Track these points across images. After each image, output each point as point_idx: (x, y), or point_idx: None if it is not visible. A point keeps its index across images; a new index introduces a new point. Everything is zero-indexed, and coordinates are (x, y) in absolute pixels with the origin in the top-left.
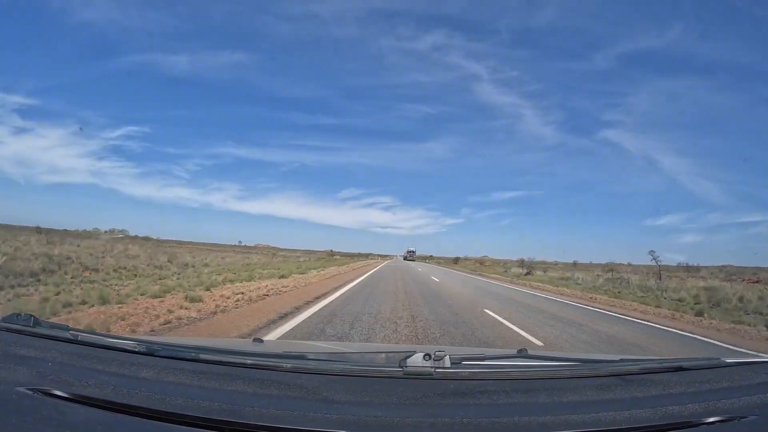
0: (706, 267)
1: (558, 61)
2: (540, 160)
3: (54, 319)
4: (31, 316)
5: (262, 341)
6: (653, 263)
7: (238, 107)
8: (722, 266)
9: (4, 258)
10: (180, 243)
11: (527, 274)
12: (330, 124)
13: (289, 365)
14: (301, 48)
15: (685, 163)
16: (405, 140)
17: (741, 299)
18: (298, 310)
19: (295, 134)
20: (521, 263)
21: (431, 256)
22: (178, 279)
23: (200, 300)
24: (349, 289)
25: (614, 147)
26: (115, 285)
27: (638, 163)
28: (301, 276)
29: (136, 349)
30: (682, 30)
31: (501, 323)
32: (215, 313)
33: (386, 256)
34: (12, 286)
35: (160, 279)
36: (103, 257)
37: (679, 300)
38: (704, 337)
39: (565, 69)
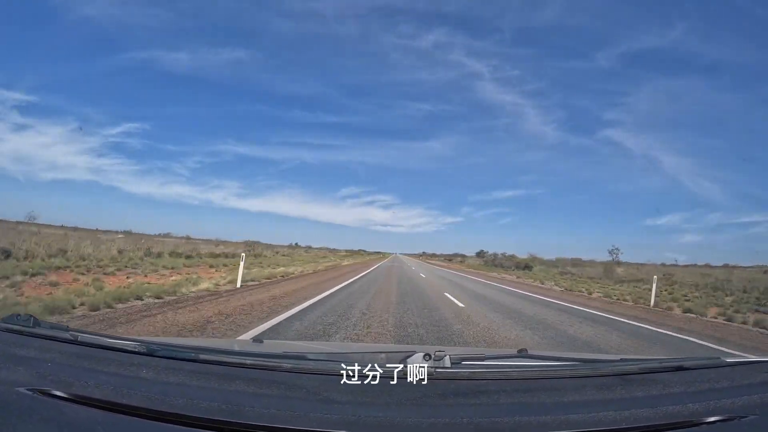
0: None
1: (559, 59)
2: (540, 158)
3: None
4: (31, 316)
5: (261, 341)
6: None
7: (239, 105)
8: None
9: None
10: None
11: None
12: (330, 121)
13: (289, 365)
14: (302, 45)
15: (686, 163)
16: (405, 138)
17: None
18: None
19: (296, 132)
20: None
21: (423, 253)
22: None
23: None
24: None
25: (615, 146)
26: None
27: (639, 162)
28: None
29: (136, 350)
30: (683, 29)
31: None
32: None
33: (383, 254)
34: None
35: None
36: None
37: None
38: None
39: (567, 68)
